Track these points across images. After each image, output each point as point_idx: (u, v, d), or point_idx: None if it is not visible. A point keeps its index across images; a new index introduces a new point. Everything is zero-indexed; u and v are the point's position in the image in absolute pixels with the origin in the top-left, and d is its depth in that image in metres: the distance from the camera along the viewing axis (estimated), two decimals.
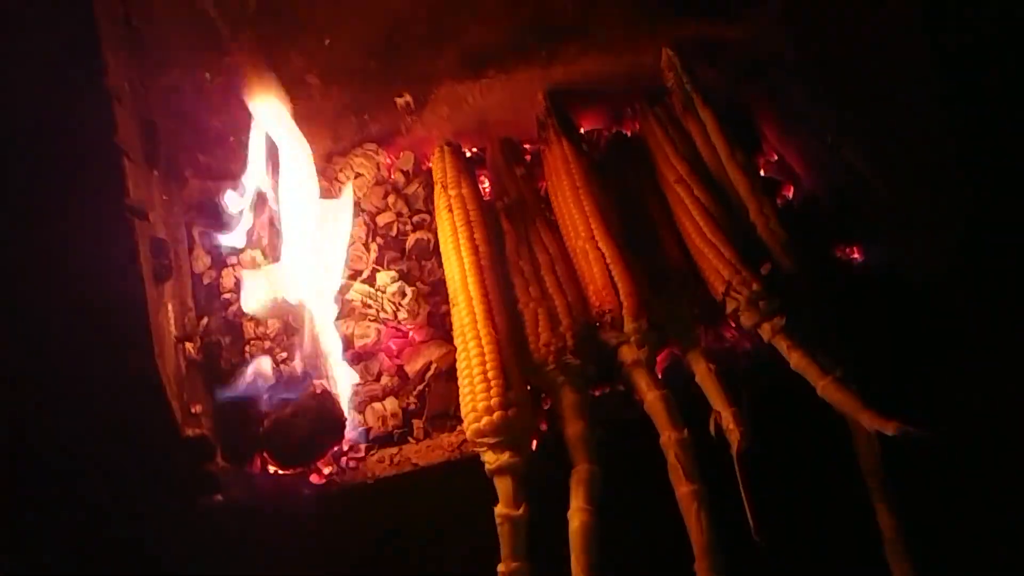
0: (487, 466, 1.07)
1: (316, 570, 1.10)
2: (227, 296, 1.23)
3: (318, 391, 1.08)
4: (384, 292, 1.23)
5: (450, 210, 1.31)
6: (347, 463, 1.14)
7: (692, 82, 1.49)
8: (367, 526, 1.14)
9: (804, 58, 1.47)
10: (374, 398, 1.20)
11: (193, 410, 1.12)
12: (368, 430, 1.17)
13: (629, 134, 1.60)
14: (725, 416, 1.11)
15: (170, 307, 1.07)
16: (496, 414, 1.07)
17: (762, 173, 1.57)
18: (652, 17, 1.51)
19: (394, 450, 1.17)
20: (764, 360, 1.22)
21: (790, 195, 1.53)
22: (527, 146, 1.57)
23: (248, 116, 1.26)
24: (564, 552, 1.00)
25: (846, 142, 1.39)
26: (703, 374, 1.17)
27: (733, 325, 1.29)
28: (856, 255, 1.41)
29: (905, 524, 1.10)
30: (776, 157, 1.60)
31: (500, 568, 1.01)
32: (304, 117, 1.40)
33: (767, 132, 1.62)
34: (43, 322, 0.79)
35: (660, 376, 1.25)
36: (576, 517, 1.03)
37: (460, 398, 1.12)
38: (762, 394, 1.18)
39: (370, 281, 1.27)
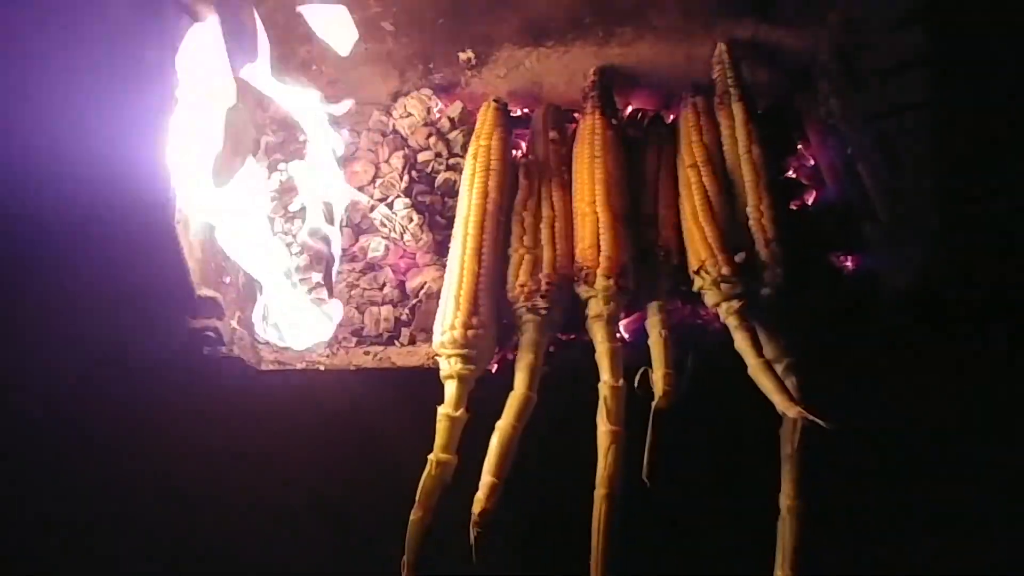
0: (441, 372, 1.25)
1: (292, 435, 1.32)
2: (272, 193, 1.46)
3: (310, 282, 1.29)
4: (397, 216, 1.42)
5: (475, 157, 1.47)
6: (337, 350, 1.36)
7: (734, 76, 1.58)
8: (343, 407, 1.35)
9: (843, 74, 1.52)
10: (373, 303, 1.41)
11: (225, 279, 1.36)
12: (362, 328, 1.38)
13: (672, 118, 1.70)
14: (657, 374, 1.24)
15: None
16: (458, 331, 1.25)
17: (791, 175, 1.64)
18: (710, 13, 1.60)
19: (380, 349, 1.37)
20: (727, 341, 1.34)
21: (810, 200, 1.60)
22: (576, 115, 1.70)
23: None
24: None
25: (861, 159, 1.45)
26: (655, 338, 1.29)
27: None
28: (848, 263, 1.47)
29: (804, 506, 1.19)
30: (812, 163, 1.66)
31: (430, 457, 1.19)
32: (377, 58, 1.63)
33: (811, 138, 1.68)
34: (82, 185, 1.02)
35: (627, 335, 1.40)
36: (500, 428, 1.20)
37: (437, 314, 1.31)
38: (711, 369, 1.30)
39: (391, 206, 1.47)
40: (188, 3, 1.14)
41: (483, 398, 1.25)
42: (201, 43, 1.17)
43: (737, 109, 1.54)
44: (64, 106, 1.03)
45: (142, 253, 1.11)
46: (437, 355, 1.27)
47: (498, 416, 1.22)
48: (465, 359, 1.24)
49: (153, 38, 1.06)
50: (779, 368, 1.25)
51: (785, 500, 1.20)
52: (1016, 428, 1.30)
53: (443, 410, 1.21)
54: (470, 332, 1.24)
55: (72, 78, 1.02)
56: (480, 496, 1.14)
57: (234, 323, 1.32)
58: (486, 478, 1.15)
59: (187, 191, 1.12)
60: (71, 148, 1.02)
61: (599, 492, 1.16)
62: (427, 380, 1.29)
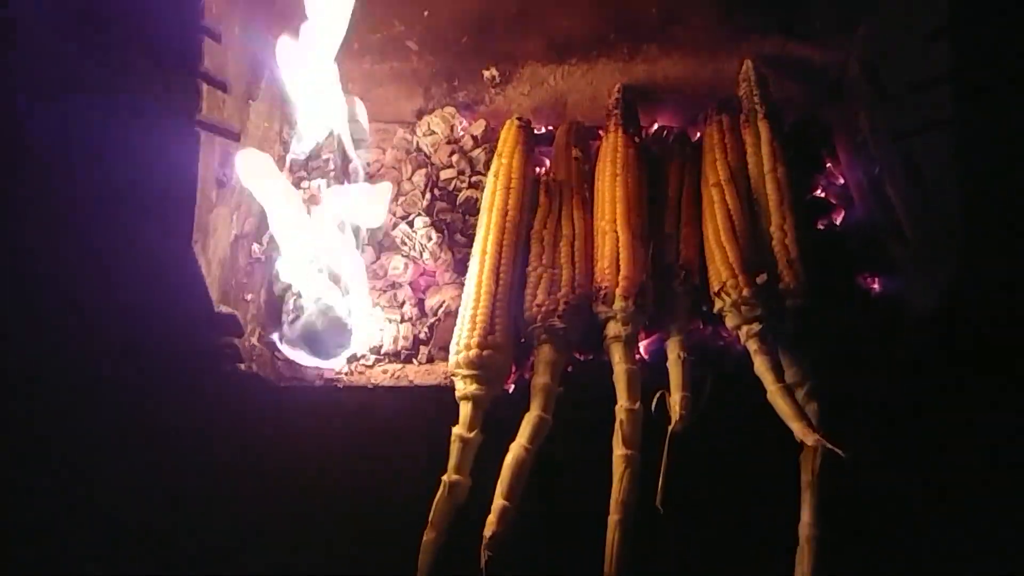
0: (456, 392, 1.25)
1: (308, 450, 1.33)
2: None
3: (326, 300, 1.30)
4: (417, 234, 1.43)
5: (496, 175, 1.47)
6: (356, 368, 1.36)
7: (760, 94, 1.55)
8: (360, 423, 1.36)
9: (871, 90, 1.49)
10: (392, 321, 1.41)
11: (247, 296, 1.38)
12: (381, 346, 1.39)
13: (699, 135, 1.68)
14: (674, 397, 1.22)
15: (238, 210, 1.33)
16: (472, 351, 1.24)
17: (820, 193, 1.61)
18: (736, 28, 1.59)
19: (398, 367, 1.38)
20: (748, 364, 1.31)
21: (838, 219, 1.57)
22: (601, 132, 1.69)
23: None
24: None
25: (889, 177, 1.42)
26: (673, 360, 1.27)
27: None
28: (875, 285, 1.44)
29: (823, 535, 1.16)
30: (842, 181, 1.63)
31: (444, 478, 1.19)
32: (402, 76, 1.65)
33: (840, 155, 1.65)
34: (103, 202, 1.04)
35: (647, 356, 1.38)
36: (514, 451, 1.19)
37: (454, 333, 1.31)
38: (733, 393, 1.27)
39: (411, 224, 1.48)
40: (211, 26, 1.17)
41: (501, 418, 1.25)
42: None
43: (762, 127, 1.51)
44: (89, 126, 1.06)
45: (161, 271, 1.13)
46: (452, 374, 1.27)
47: (515, 437, 1.21)
48: (479, 380, 1.23)
49: (178, 63, 1.08)
50: (800, 393, 1.22)
51: (804, 529, 1.17)
52: None
53: (457, 431, 1.21)
54: (485, 352, 1.24)
55: (100, 103, 1.06)
56: (491, 519, 1.13)
57: (254, 340, 1.34)
58: (498, 501, 1.15)
59: None
60: (94, 168, 1.05)
61: (612, 518, 1.15)
62: (445, 399, 1.29)
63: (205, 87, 1.14)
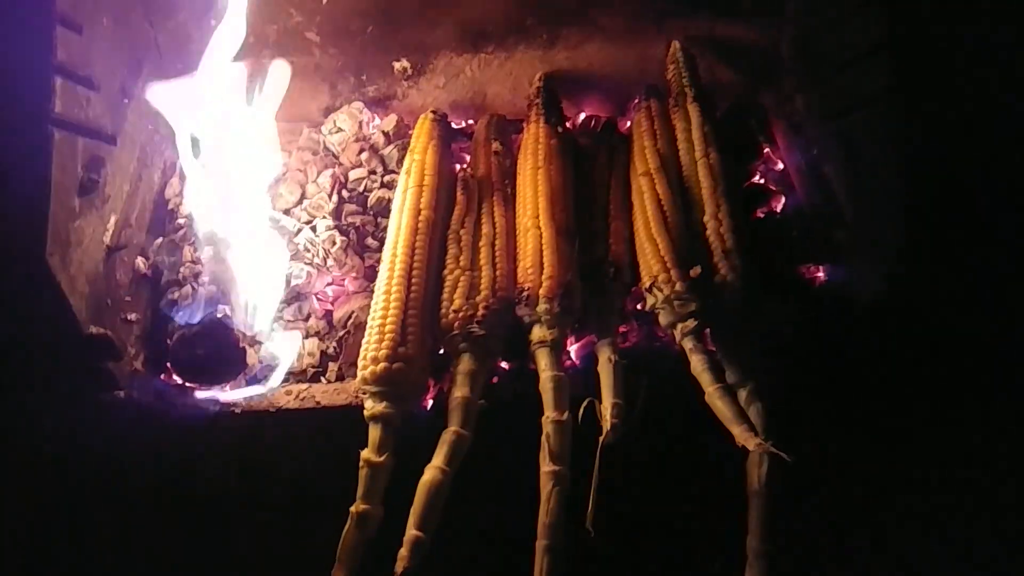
0: (365, 412, 1.12)
1: (203, 480, 1.19)
2: (180, 221, 1.34)
3: (219, 316, 1.16)
4: (319, 239, 1.30)
5: (408, 173, 1.36)
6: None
7: (689, 76, 1.47)
8: (262, 451, 1.22)
9: (805, 68, 1.41)
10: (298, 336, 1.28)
11: (129, 317, 1.24)
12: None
13: (629, 123, 1.58)
14: (605, 405, 1.11)
15: (113, 219, 1.19)
16: (380, 365, 1.12)
17: (758, 180, 1.52)
18: (660, 9, 1.49)
19: (304, 387, 1.24)
20: (686, 365, 1.21)
21: (778, 207, 1.48)
22: (524, 124, 1.59)
23: None
24: None
25: (826, 159, 1.33)
26: (603, 365, 1.16)
27: None
28: (819, 274, 1.35)
29: (773, 549, 1.06)
30: (780, 166, 1.55)
31: (352, 509, 1.06)
32: (304, 72, 1.52)
33: (777, 140, 1.57)
34: None
35: (577, 362, 1.27)
36: (429, 473, 1.07)
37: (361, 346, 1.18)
38: (670, 397, 1.17)
39: (315, 229, 1.35)
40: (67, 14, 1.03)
41: (417, 439, 1.12)
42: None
43: (692, 111, 1.42)
44: None
45: (15, 287, 0.98)
46: (359, 392, 1.15)
47: None
48: (388, 397, 1.11)
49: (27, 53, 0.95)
50: (742, 394, 1.12)
51: (752, 542, 1.07)
52: (991, 445, 1.18)
53: (365, 455, 1.09)
54: (394, 366, 1.11)
55: None
56: (403, 552, 1.01)
57: (138, 364, 1.20)
58: (410, 531, 1.02)
59: None
60: None
61: (539, 543, 1.03)
62: (356, 420, 1.17)
63: (60, 82, 1.01)
